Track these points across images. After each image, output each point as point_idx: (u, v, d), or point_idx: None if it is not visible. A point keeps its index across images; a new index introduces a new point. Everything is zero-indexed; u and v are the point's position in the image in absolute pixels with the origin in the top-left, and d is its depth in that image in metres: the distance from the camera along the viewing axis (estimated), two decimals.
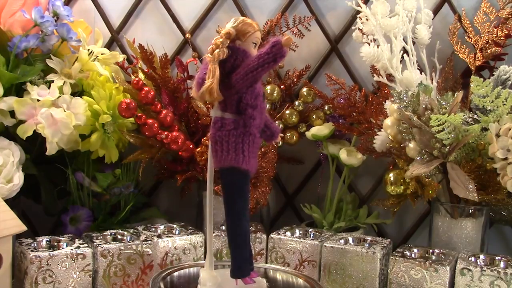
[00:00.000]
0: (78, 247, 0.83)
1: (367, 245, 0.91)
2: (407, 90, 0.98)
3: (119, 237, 0.90)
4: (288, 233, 0.95)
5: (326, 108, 1.12)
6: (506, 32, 1.03)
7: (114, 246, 0.85)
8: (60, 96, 0.97)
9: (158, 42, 1.17)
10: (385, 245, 0.90)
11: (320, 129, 1.09)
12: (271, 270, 0.86)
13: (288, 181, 1.22)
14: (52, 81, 0.98)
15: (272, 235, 0.93)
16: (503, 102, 0.91)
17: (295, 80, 1.15)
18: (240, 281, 0.74)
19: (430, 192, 0.96)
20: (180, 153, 1.06)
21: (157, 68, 1.09)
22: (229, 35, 0.71)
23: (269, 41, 0.70)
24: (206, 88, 0.69)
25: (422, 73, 1.04)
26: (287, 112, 1.12)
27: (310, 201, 1.13)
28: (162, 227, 0.96)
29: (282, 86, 1.14)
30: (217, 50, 0.70)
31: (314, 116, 1.12)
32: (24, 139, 0.94)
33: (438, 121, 0.88)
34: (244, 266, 0.74)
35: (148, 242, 0.87)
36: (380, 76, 1.04)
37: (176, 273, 0.83)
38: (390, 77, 1.04)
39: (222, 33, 0.71)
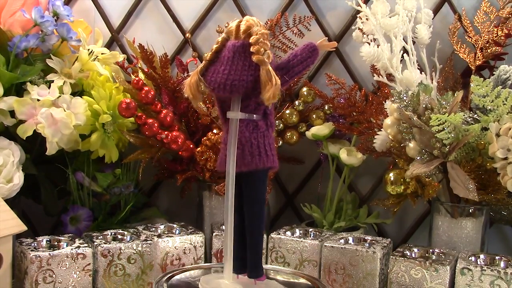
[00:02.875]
0: (78, 247, 0.83)
1: (367, 244, 0.91)
2: (407, 89, 0.98)
3: (119, 237, 0.90)
4: (288, 233, 0.95)
5: (326, 107, 1.12)
6: (506, 32, 1.03)
7: (114, 246, 0.85)
8: (60, 96, 0.97)
9: (158, 42, 1.17)
10: (385, 244, 0.90)
11: (320, 129, 1.09)
12: (272, 271, 0.86)
13: (288, 181, 1.22)
14: (52, 81, 0.98)
15: (272, 235, 0.93)
16: (503, 101, 0.91)
17: (295, 79, 1.15)
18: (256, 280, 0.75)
19: (430, 191, 0.96)
20: (180, 153, 1.06)
21: (157, 67, 1.09)
22: (268, 36, 0.71)
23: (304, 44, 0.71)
24: (276, 89, 0.69)
25: (422, 72, 1.04)
26: (287, 111, 1.12)
27: (310, 200, 1.13)
28: (162, 227, 0.96)
29: None
30: (267, 51, 0.69)
31: (314, 116, 1.12)
32: (24, 139, 0.94)
33: (438, 120, 0.88)
34: (262, 264, 0.75)
35: (148, 242, 0.87)
36: (380, 76, 1.03)
37: (178, 276, 0.82)
38: (390, 76, 1.04)
39: (262, 34, 0.70)
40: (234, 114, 0.72)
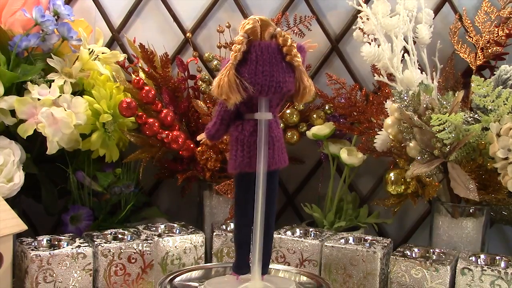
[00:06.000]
0: (78, 246, 0.83)
1: (368, 244, 0.91)
2: (407, 89, 0.98)
3: (120, 236, 0.90)
4: (289, 233, 0.95)
5: (326, 107, 1.12)
6: (507, 32, 1.03)
7: (115, 246, 0.85)
8: (60, 95, 0.97)
9: (159, 41, 1.17)
10: (386, 244, 0.90)
11: (320, 129, 1.09)
12: (273, 270, 0.86)
13: (288, 181, 1.22)
14: (53, 80, 0.98)
15: None
16: (503, 101, 0.91)
17: None
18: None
19: (431, 191, 0.96)
20: (180, 152, 1.06)
21: (157, 67, 1.09)
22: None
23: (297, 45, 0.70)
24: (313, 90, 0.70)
25: (423, 72, 1.04)
26: (288, 111, 1.12)
27: (311, 200, 1.13)
28: (162, 226, 0.96)
29: None
30: (298, 52, 0.69)
31: (314, 116, 1.12)
32: (25, 138, 0.94)
33: (439, 120, 0.88)
34: None
35: (149, 241, 0.87)
36: (380, 76, 1.03)
37: (179, 277, 0.81)
38: (390, 76, 1.04)
39: (288, 36, 0.69)
40: (264, 115, 0.70)
